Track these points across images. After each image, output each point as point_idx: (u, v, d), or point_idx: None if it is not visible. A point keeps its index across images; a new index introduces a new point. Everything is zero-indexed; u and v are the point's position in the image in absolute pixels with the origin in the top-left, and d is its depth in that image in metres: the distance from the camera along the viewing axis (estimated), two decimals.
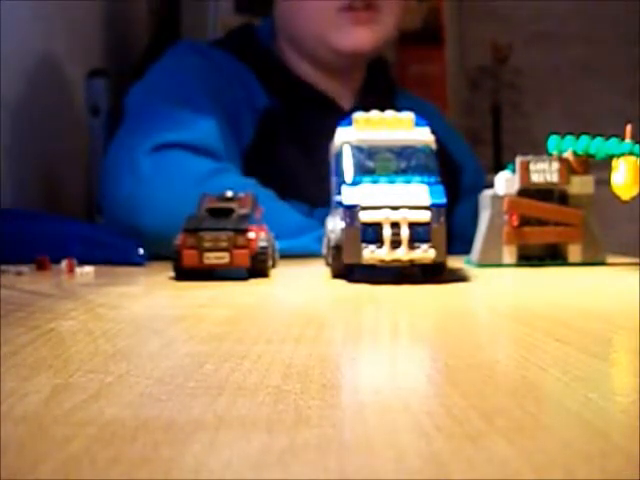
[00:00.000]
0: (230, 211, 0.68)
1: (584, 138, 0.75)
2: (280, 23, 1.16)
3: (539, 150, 0.80)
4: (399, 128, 0.67)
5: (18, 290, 0.61)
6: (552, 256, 0.77)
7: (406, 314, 0.50)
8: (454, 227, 0.89)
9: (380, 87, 1.20)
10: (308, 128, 1.09)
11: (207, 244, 0.65)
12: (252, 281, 0.65)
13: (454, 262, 0.72)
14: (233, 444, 0.22)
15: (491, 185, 0.78)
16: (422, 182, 0.63)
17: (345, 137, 0.67)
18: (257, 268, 0.67)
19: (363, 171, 0.64)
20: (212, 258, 0.65)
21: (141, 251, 0.83)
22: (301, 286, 0.67)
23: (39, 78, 1.19)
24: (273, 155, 1.08)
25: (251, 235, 0.66)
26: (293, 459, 0.20)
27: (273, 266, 0.71)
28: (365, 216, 0.61)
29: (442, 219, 0.61)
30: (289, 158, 1.09)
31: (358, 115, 0.68)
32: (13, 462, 0.20)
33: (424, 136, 0.67)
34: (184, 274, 0.66)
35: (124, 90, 1.09)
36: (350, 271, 0.63)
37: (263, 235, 0.68)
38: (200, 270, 0.66)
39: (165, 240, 0.69)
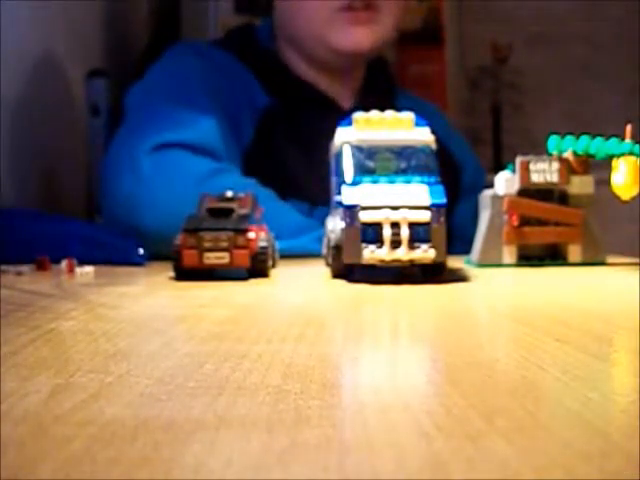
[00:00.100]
0: (230, 211, 0.68)
1: (584, 138, 0.75)
2: (279, 23, 1.16)
3: (539, 150, 0.80)
4: (399, 128, 0.67)
5: (18, 290, 0.61)
6: (552, 256, 0.77)
7: (406, 314, 0.50)
8: (454, 227, 0.89)
9: (380, 87, 1.20)
10: (308, 128, 1.09)
11: (207, 244, 0.65)
12: (252, 281, 0.65)
13: (454, 262, 0.72)
14: (233, 444, 0.22)
15: (491, 185, 0.78)
16: (422, 182, 0.63)
17: (345, 137, 0.67)
18: (257, 268, 0.67)
19: (363, 171, 0.64)
20: (212, 258, 0.65)
21: (141, 251, 0.83)
22: (301, 286, 0.67)
23: (39, 78, 1.19)
24: (273, 155, 1.08)
25: (251, 235, 0.66)
26: (293, 459, 0.20)
27: (273, 266, 0.71)
28: (365, 216, 0.61)
29: (442, 219, 0.61)
30: (289, 157, 1.09)
31: (358, 115, 0.68)
32: (13, 462, 0.20)
33: (424, 136, 0.67)
34: (184, 274, 0.66)
35: (124, 90, 1.09)
36: (350, 271, 0.63)
37: (263, 235, 0.68)
38: (200, 270, 0.66)
39: (165, 240, 0.69)
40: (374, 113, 0.68)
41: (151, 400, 0.26)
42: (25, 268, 0.74)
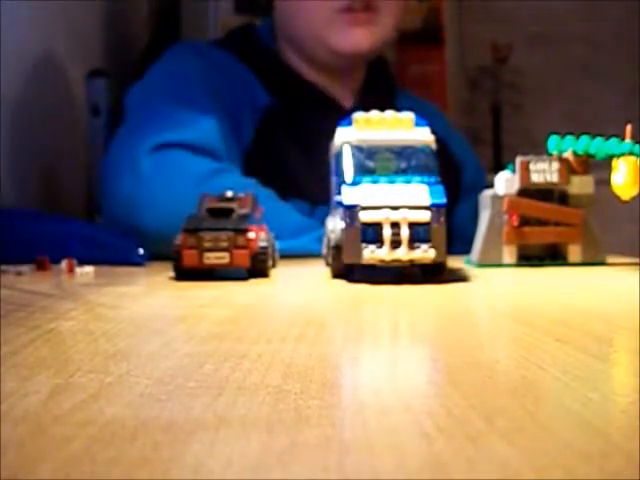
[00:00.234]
0: (230, 211, 0.68)
1: (584, 138, 0.75)
2: (280, 23, 1.16)
3: (539, 150, 0.80)
4: (399, 128, 0.67)
5: (18, 290, 0.61)
6: (552, 256, 0.77)
7: (406, 314, 0.50)
8: (454, 227, 0.89)
9: (380, 87, 1.20)
10: (308, 127, 1.09)
11: (207, 244, 0.65)
12: (252, 281, 0.65)
13: (454, 262, 0.72)
14: (233, 444, 0.22)
15: (491, 185, 0.78)
16: (422, 182, 0.63)
17: (345, 137, 0.67)
18: (257, 268, 0.67)
19: (363, 171, 0.64)
20: (212, 258, 0.65)
21: (141, 251, 0.83)
22: (301, 286, 0.67)
23: (39, 78, 1.19)
24: (273, 154, 1.08)
25: (251, 235, 0.66)
26: (293, 459, 0.20)
27: (273, 266, 0.71)
28: (365, 216, 0.61)
29: (442, 219, 0.61)
30: (290, 157, 1.09)
31: (358, 115, 0.68)
32: (13, 462, 0.20)
33: (424, 136, 0.67)
34: (184, 274, 0.66)
35: (124, 90, 1.09)
36: (350, 271, 0.63)
37: (263, 235, 0.68)
38: (200, 270, 0.66)
39: (165, 240, 0.69)
40: (374, 113, 0.68)
41: (151, 400, 0.26)
42: (25, 268, 0.74)
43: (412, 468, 0.20)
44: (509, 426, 0.23)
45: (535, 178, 0.76)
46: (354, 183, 0.63)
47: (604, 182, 0.73)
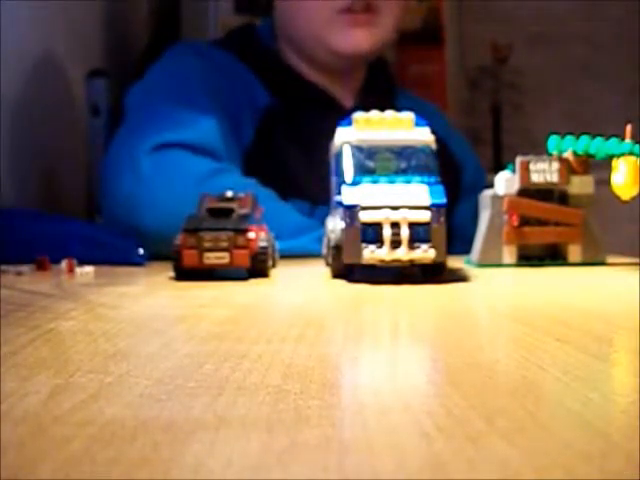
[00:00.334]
0: (230, 211, 0.68)
1: (584, 138, 0.75)
2: (280, 23, 1.16)
3: (539, 150, 0.80)
4: (399, 128, 0.67)
5: (18, 290, 0.61)
6: (552, 256, 0.77)
7: (406, 314, 0.50)
8: (454, 227, 0.89)
9: (380, 87, 1.20)
10: (309, 127, 1.09)
11: (207, 244, 0.65)
12: (252, 281, 0.65)
13: (454, 262, 0.72)
14: (233, 444, 0.22)
15: (491, 185, 0.78)
16: (422, 182, 0.63)
17: (345, 137, 0.67)
18: (257, 268, 0.67)
19: (363, 171, 0.64)
20: (212, 258, 0.65)
21: (141, 251, 0.83)
22: (301, 286, 0.67)
23: (39, 78, 1.19)
24: (274, 154, 1.08)
25: (251, 235, 0.66)
26: (293, 459, 0.20)
27: (273, 266, 0.71)
28: (365, 216, 0.61)
29: (442, 219, 0.61)
30: (290, 157, 1.09)
31: (358, 115, 0.68)
32: (13, 462, 0.20)
33: (424, 136, 0.67)
34: (184, 274, 0.66)
35: (124, 90, 1.09)
36: (350, 271, 0.63)
37: (263, 235, 0.68)
38: (200, 270, 0.66)
39: (165, 240, 0.69)
40: (374, 113, 0.68)
41: (151, 400, 0.26)
42: (25, 268, 0.74)
43: (412, 468, 0.20)
44: (509, 426, 0.23)
45: (535, 178, 0.76)
46: (354, 183, 0.63)
47: (604, 182, 0.73)
